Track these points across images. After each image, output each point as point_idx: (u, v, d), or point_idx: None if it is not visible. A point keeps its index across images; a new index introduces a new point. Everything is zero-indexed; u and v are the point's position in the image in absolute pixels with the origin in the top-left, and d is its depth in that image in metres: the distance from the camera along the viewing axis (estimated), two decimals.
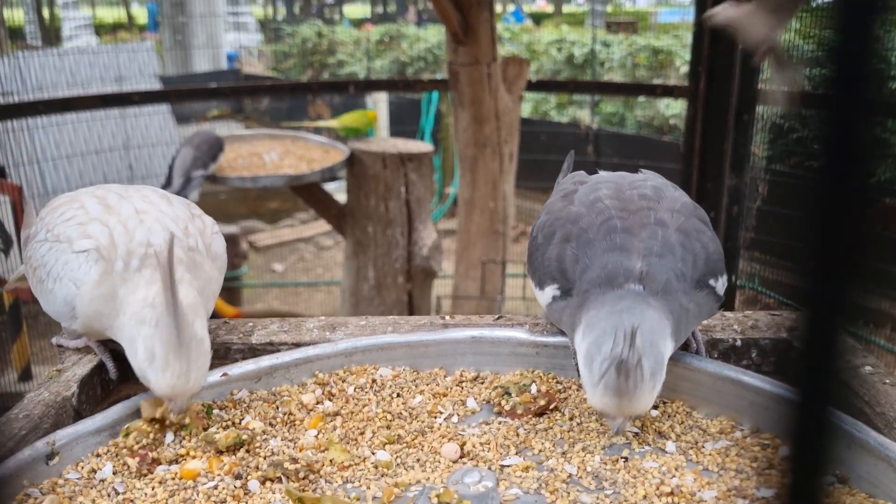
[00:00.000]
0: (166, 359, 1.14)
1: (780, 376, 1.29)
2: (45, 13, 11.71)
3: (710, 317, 1.29)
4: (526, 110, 9.54)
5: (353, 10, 18.18)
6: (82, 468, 1.12)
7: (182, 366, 1.14)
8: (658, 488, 1.06)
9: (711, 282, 1.22)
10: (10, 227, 3.98)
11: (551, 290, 1.27)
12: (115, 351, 1.39)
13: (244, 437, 1.15)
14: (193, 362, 1.15)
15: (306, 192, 4.55)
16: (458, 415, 1.27)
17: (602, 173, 1.42)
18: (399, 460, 1.15)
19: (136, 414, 1.22)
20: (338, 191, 5.26)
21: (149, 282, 1.22)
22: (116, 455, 1.15)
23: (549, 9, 19.65)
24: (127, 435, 1.17)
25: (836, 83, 0.35)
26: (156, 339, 1.15)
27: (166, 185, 4.12)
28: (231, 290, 6.34)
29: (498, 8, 12.68)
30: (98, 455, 1.15)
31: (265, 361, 1.33)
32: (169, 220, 1.29)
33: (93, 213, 1.29)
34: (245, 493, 1.07)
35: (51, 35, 11.30)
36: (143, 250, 1.24)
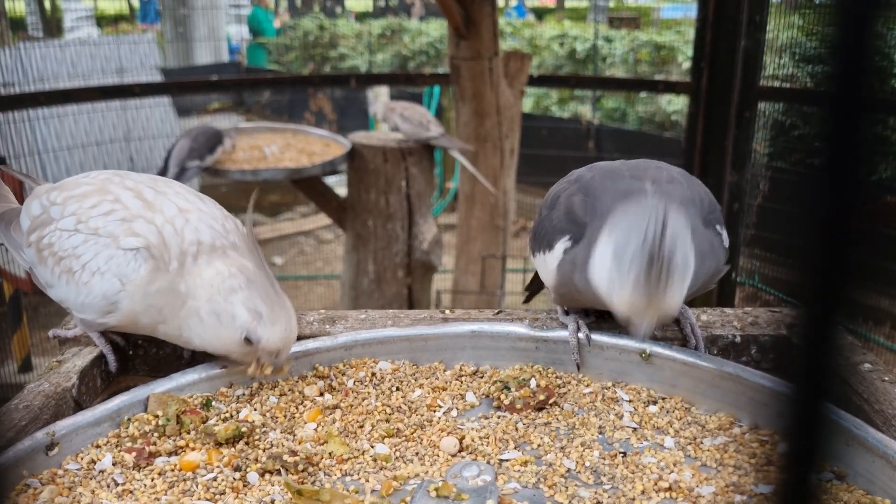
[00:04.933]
0: (272, 312, 1.22)
1: (779, 373, 1.30)
2: (47, 4, 11.69)
3: (718, 274, 1.28)
4: (527, 105, 9.53)
5: (355, 4, 18.15)
6: (82, 459, 1.13)
7: (287, 316, 1.23)
8: (656, 483, 1.06)
9: (718, 227, 1.24)
10: None
11: (562, 245, 1.27)
12: (114, 343, 1.39)
13: (243, 429, 1.16)
14: (293, 312, 1.24)
15: (307, 186, 4.55)
16: (458, 409, 1.27)
17: None
18: (398, 454, 1.15)
19: (137, 406, 1.22)
20: (338, 184, 5.26)
21: (209, 263, 1.26)
22: (116, 446, 1.15)
23: (552, 3, 19.61)
24: (128, 426, 1.18)
25: (836, 80, 0.35)
26: (256, 298, 1.22)
27: (161, 175, 4.12)
28: None
29: (500, 2, 12.67)
30: (98, 446, 1.16)
31: None
32: (209, 219, 1.32)
33: (133, 209, 1.29)
34: (244, 485, 1.07)
35: (52, 26, 11.28)
36: (196, 248, 1.27)
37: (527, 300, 1.81)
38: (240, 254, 1.31)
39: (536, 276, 1.65)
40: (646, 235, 1.04)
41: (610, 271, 1.09)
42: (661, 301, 1.05)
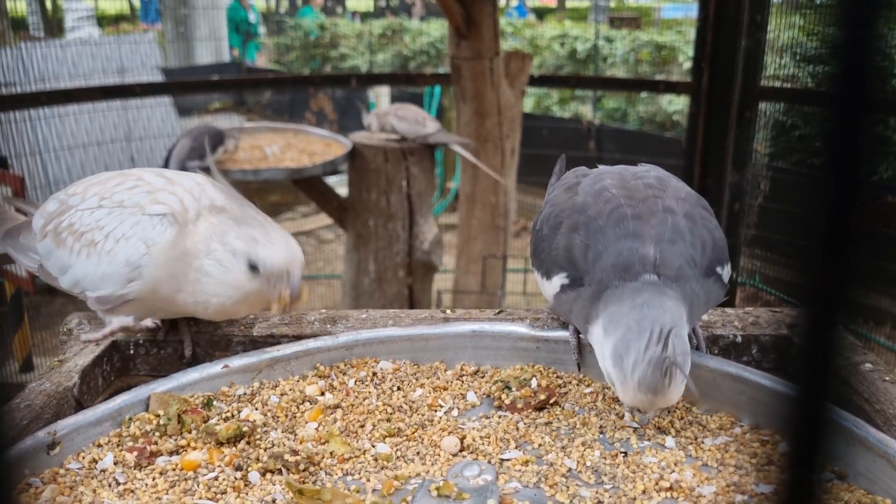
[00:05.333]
0: (267, 235, 1.24)
1: (780, 373, 1.30)
2: (48, 4, 11.70)
3: (716, 304, 1.30)
4: (528, 105, 9.52)
5: (356, 4, 18.15)
6: (83, 458, 1.13)
7: (283, 236, 1.25)
8: (657, 483, 1.06)
9: (718, 269, 1.23)
10: None
11: (559, 280, 1.27)
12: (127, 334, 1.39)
13: (244, 428, 1.16)
14: (289, 235, 1.26)
15: (307, 186, 4.55)
16: (459, 408, 1.27)
17: (602, 167, 1.42)
18: (399, 453, 1.15)
19: (139, 405, 1.22)
20: (339, 184, 5.26)
21: (204, 220, 1.29)
22: (118, 445, 1.16)
23: (553, 3, 19.60)
24: (129, 425, 1.18)
25: (838, 80, 0.35)
26: (247, 230, 1.25)
27: None
28: None
29: (501, 2, 12.65)
30: (99, 445, 1.16)
31: (266, 354, 1.33)
32: (223, 189, 1.35)
33: (156, 184, 1.34)
34: (245, 485, 1.07)
35: (53, 26, 11.29)
36: (208, 211, 1.30)
37: None
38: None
39: None
40: (648, 343, 1.08)
41: (611, 369, 1.13)
42: (666, 398, 1.10)
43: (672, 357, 1.07)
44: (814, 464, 0.41)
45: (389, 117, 4.36)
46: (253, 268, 1.24)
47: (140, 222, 1.29)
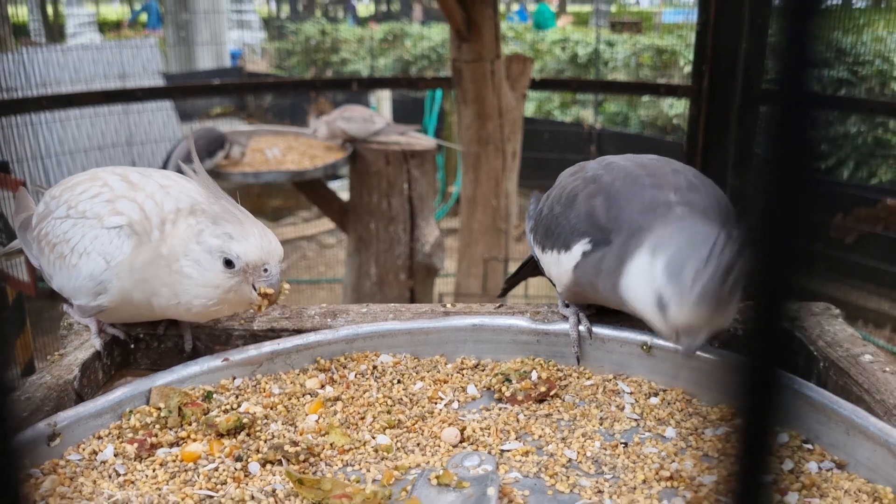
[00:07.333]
0: (242, 229, 1.23)
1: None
2: (49, 10, 11.73)
3: None
4: (529, 109, 9.53)
5: (358, 8, 18.19)
6: (83, 450, 1.13)
7: (259, 230, 1.23)
8: (657, 473, 1.06)
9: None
10: (13, 221, 4.00)
11: (581, 247, 1.25)
12: (115, 336, 1.39)
13: (245, 420, 1.16)
14: (265, 228, 1.25)
15: (309, 189, 4.56)
16: (459, 401, 1.27)
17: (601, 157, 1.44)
18: (399, 444, 1.15)
19: (139, 398, 1.22)
20: (341, 188, 5.27)
21: (182, 222, 1.27)
22: (118, 437, 1.16)
23: (554, 8, 19.61)
24: (129, 418, 1.18)
25: (783, 81, 0.38)
26: (222, 225, 1.23)
27: None
28: None
29: (502, 8, 12.66)
30: (99, 437, 1.16)
31: (266, 347, 1.33)
32: (191, 191, 1.32)
33: (118, 190, 1.31)
34: (245, 475, 1.07)
35: (55, 32, 11.33)
36: (174, 216, 1.28)
37: (502, 293, 1.80)
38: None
39: (520, 271, 1.64)
40: (711, 252, 1.02)
41: (665, 284, 1.06)
42: (723, 315, 1.04)
43: (739, 263, 1.00)
44: (764, 427, 0.42)
45: (338, 122, 4.38)
46: (228, 263, 1.23)
47: (98, 237, 1.28)
